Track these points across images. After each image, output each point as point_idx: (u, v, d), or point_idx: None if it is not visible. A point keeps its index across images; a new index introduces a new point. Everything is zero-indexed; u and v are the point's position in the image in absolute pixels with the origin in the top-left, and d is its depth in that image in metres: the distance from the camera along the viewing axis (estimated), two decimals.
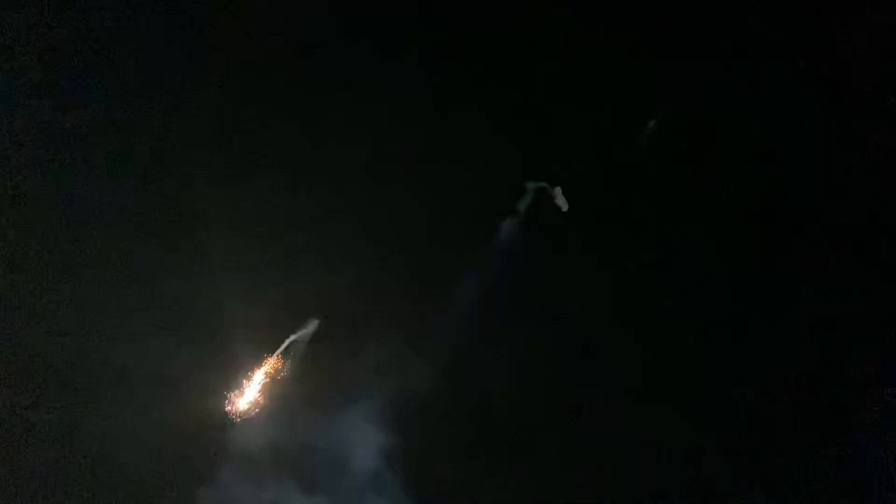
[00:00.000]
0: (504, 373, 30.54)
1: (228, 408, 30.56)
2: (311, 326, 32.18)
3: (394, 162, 31.22)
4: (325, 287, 31.33)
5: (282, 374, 31.57)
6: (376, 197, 31.12)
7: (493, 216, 30.78)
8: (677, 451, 29.88)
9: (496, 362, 30.54)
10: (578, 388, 30.53)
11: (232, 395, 30.80)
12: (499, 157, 31.22)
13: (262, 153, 31.20)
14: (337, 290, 31.27)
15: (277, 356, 31.70)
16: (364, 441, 29.86)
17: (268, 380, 31.24)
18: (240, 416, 31.19)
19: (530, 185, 31.09)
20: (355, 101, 31.24)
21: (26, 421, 29.07)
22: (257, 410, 30.95)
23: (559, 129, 31.37)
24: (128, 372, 29.59)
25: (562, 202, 30.47)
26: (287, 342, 31.87)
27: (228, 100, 31.27)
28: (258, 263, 31.22)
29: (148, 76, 30.63)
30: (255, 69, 31.21)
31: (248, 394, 31.34)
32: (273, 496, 29.67)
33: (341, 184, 31.30)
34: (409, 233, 30.85)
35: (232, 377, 30.53)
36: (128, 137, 30.60)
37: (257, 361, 30.99)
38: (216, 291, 30.40)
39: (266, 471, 29.84)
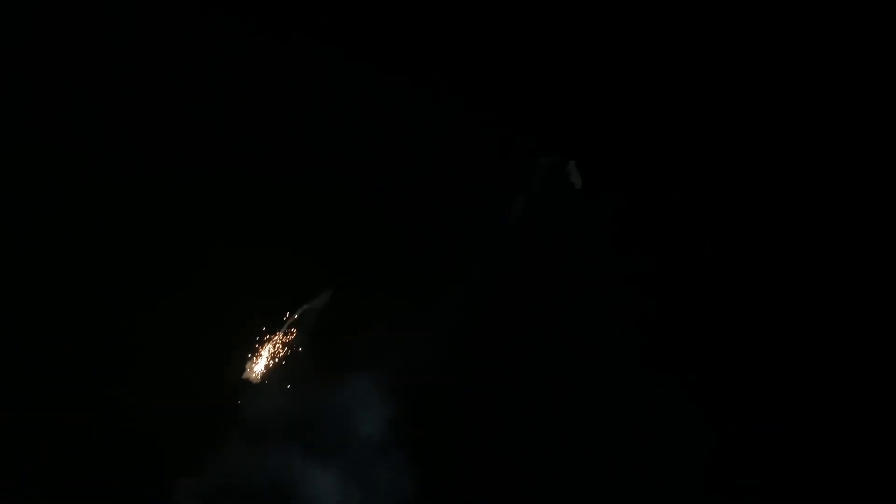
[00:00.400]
0: (513, 352, 30.83)
1: (239, 376, 31.12)
2: (323, 297, 32.42)
3: (398, 135, 31.50)
4: (336, 259, 31.76)
5: (292, 343, 31.88)
6: (381, 172, 31.36)
7: (503, 193, 30.72)
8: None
9: (504, 341, 30.85)
10: (589, 366, 30.98)
11: (243, 363, 31.24)
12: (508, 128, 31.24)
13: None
14: (347, 263, 31.65)
15: (289, 326, 32.02)
16: (370, 410, 30.05)
17: (279, 349, 31.56)
18: (250, 384, 31.61)
19: (543, 161, 31.15)
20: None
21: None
22: (267, 379, 31.36)
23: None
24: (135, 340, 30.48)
25: (576, 179, 30.30)
26: (299, 311, 32.20)
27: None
28: (269, 233, 31.82)
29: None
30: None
31: (259, 362, 31.73)
32: (280, 462, 30.07)
33: (346, 159, 31.59)
34: (415, 209, 31.14)
35: (243, 345, 31.07)
36: None
37: (269, 330, 31.44)
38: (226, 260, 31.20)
39: (274, 437, 30.25)
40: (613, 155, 30.67)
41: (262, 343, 31.23)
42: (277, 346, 31.50)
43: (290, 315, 31.79)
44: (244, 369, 31.24)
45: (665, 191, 31.00)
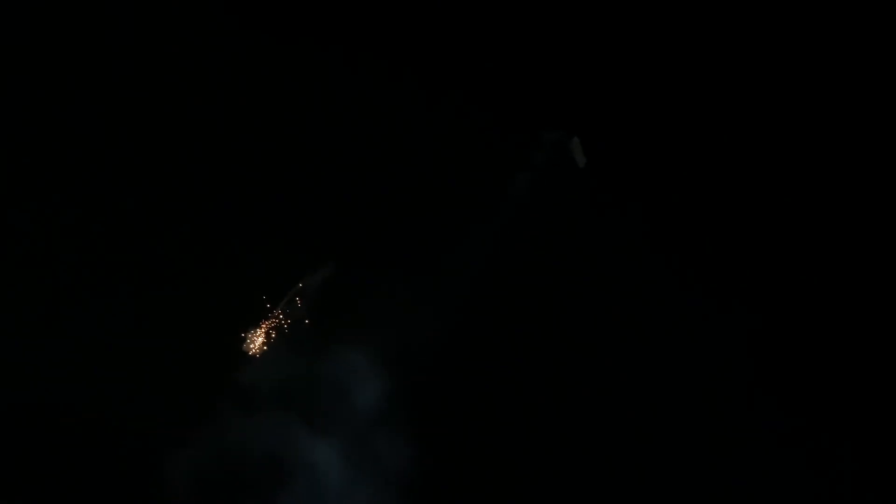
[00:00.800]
0: (511, 330, 30.54)
1: (240, 346, 31.02)
2: (326, 271, 32.21)
3: (400, 112, 31.04)
4: (338, 231, 31.52)
5: (293, 316, 31.77)
6: (383, 145, 30.96)
7: (505, 169, 30.35)
8: None
9: (504, 319, 30.56)
10: (586, 343, 30.64)
11: (245, 333, 31.15)
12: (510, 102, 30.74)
13: None
14: (350, 238, 31.42)
15: (290, 298, 31.87)
16: (367, 383, 29.94)
17: (279, 321, 31.43)
18: (251, 354, 31.53)
19: (547, 136, 30.49)
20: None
21: None
22: (266, 349, 31.26)
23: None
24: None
25: (580, 157, 29.61)
26: (301, 284, 32.02)
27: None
28: (272, 204, 31.58)
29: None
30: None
31: (260, 332, 31.60)
32: (276, 433, 30.06)
33: (349, 135, 31.25)
34: (417, 185, 30.77)
35: (244, 315, 30.94)
36: None
37: (270, 301, 31.29)
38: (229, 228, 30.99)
39: (270, 408, 30.22)
40: (621, 132, 30.27)
41: (263, 315, 31.39)
42: (278, 318, 31.59)
43: (293, 288, 31.88)
44: (244, 341, 31.39)
45: (672, 175, 30.66)
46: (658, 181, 30.32)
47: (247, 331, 30.69)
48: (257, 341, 31.30)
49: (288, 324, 31.12)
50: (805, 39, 29.66)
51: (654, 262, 30.04)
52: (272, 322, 31.07)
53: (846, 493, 28.89)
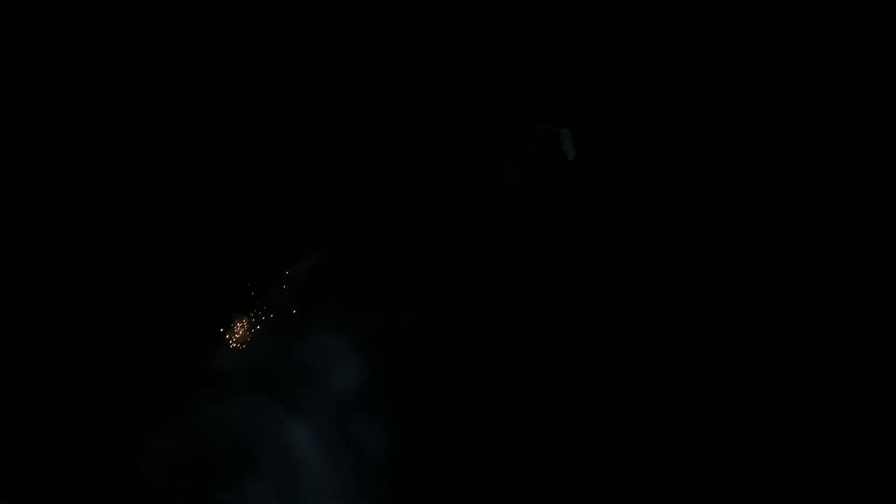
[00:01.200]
0: (497, 319, 30.17)
1: (221, 331, 30.72)
2: (313, 258, 31.93)
3: (384, 92, 30.50)
4: (325, 220, 31.29)
5: (279, 302, 31.53)
6: (370, 134, 30.50)
7: (493, 160, 29.87)
8: None
9: (488, 312, 30.17)
10: (573, 337, 30.18)
11: (229, 320, 30.87)
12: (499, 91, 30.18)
13: None
14: (337, 225, 31.16)
15: (276, 285, 31.64)
16: (346, 369, 29.77)
17: (265, 308, 31.19)
18: (233, 341, 31.28)
19: (538, 126, 29.68)
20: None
21: None
22: (249, 336, 31.03)
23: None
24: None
25: (570, 149, 28.85)
26: (287, 272, 31.74)
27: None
28: (261, 192, 31.25)
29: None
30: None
31: (244, 320, 31.34)
32: (257, 417, 29.89)
33: (336, 126, 30.86)
34: (402, 172, 30.30)
35: (228, 302, 30.69)
36: None
37: (255, 288, 31.03)
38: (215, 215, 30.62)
39: (251, 392, 30.08)
40: (615, 124, 29.60)
41: (247, 302, 31.15)
42: (263, 305, 31.36)
43: (279, 276, 31.65)
44: (228, 328, 31.12)
45: (669, 171, 30.04)
46: (653, 177, 29.87)
47: (231, 318, 30.63)
48: (241, 328, 31.20)
49: (272, 311, 31.02)
50: (805, 37, 29.16)
51: (646, 256, 29.64)
52: (256, 309, 30.94)
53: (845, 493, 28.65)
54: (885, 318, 29.01)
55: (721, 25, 30.01)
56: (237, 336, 30.81)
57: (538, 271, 29.71)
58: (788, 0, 29.48)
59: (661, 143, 29.90)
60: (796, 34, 29.69)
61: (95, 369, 29.13)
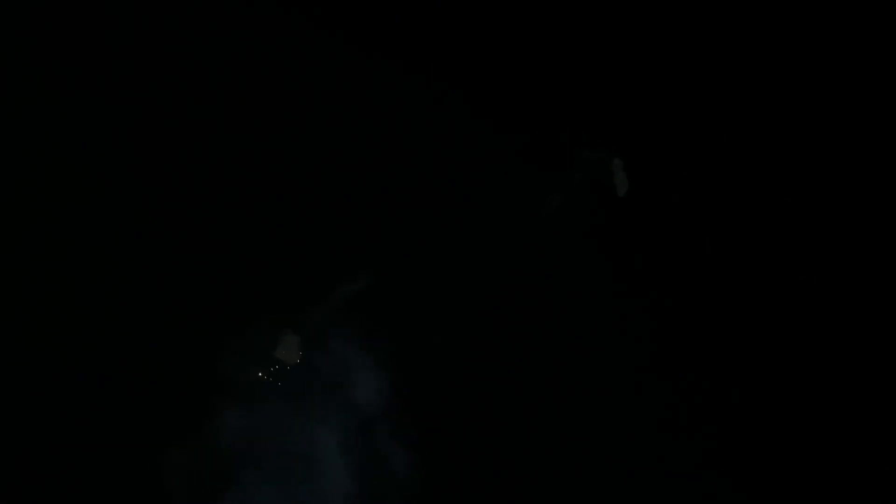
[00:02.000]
0: (525, 350, 30.03)
1: (247, 339, 31.21)
2: (364, 278, 32.29)
3: (424, 123, 30.33)
4: (369, 238, 31.52)
5: (316, 319, 32.00)
6: (408, 160, 30.41)
7: (538, 189, 29.48)
8: None
9: (518, 342, 30.02)
10: (597, 369, 29.82)
11: (258, 328, 31.35)
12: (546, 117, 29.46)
13: None
14: (379, 245, 31.43)
15: (317, 303, 32.19)
16: (372, 385, 30.08)
17: (298, 324, 31.72)
18: (276, 356, 31.75)
19: (586, 155, 28.37)
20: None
21: None
22: (287, 351, 31.55)
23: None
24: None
25: (621, 182, 27.06)
26: (334, 293, 32.28)
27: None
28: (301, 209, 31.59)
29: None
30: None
31: (287, 335, 31.91)
32: (280, 428, 30.29)
33: (375, 148, 30.97)
34: (443, 200, 30.32)
35: (259, 312, 31.03)
36: None
37: (293, 302, 31.45)
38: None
39: (275, 403, 30.52)
40: (671, 157, 28.39)
41: (289, 317, 31.64)
42: (305, 321, 31.89)
43: (329, 294, 32.22)
44: (273, 342, 31.62)
45: (724, 214, 28.82)
46: (705, 217, 28.64)
47: (258, 326, 31.10)
48: (289, 345, 31.80)
49: (306, 326, 31.45)
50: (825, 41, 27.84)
51: (671, 307, 28.79)
52: (290, 323, 31.34)
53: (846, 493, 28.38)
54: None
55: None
56: (281, 354, 31.41)
57: (574, 301, 29.23)
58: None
59: (723, 189, 28.80)
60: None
61: (117, 376, 29.46)
